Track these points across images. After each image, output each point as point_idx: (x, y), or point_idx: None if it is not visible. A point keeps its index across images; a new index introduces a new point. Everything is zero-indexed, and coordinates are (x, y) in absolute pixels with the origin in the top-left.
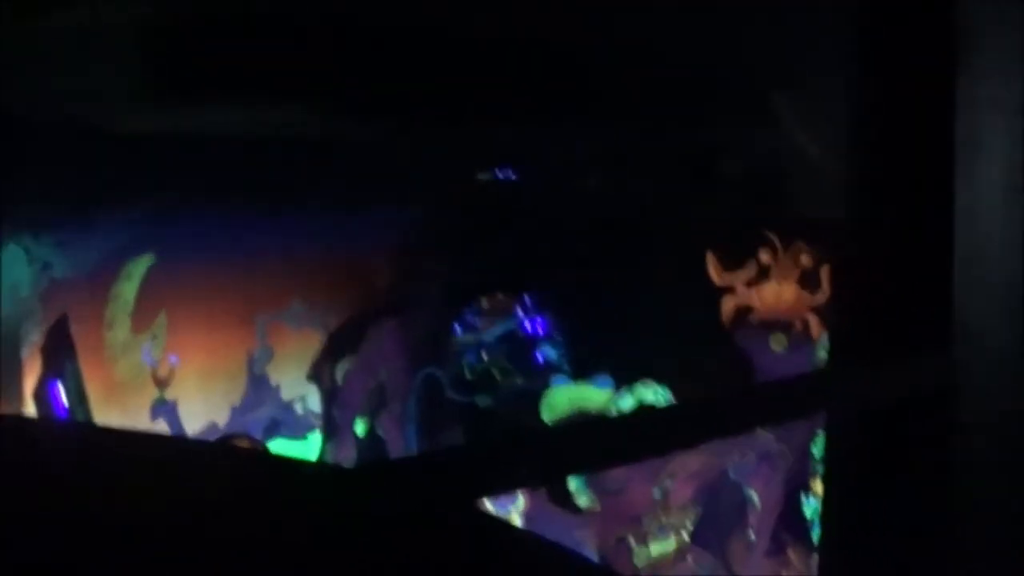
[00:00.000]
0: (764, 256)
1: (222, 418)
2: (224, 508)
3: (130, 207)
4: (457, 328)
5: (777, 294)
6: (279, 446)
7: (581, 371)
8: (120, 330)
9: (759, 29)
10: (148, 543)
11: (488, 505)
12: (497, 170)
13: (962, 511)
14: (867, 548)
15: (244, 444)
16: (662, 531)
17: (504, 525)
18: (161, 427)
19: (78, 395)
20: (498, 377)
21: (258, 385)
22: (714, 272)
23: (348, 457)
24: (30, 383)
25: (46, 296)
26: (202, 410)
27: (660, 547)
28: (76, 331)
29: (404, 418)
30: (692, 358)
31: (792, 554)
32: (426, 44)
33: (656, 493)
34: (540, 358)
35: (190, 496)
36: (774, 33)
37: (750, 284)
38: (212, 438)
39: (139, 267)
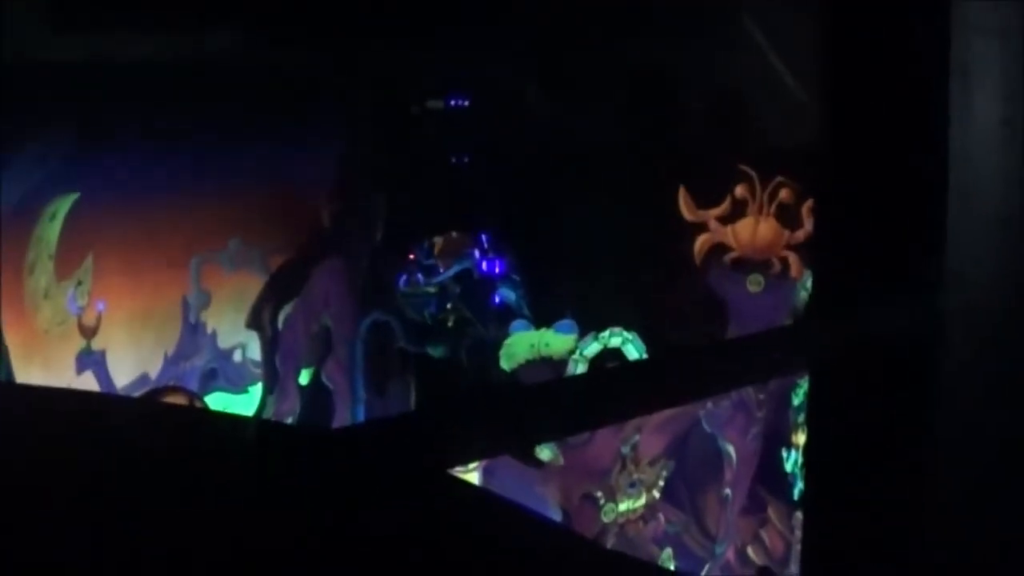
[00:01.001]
0: (740, 190)
1: (154, 369)
2: (152, 472)
3: (50, 141)
4: (407, 269)
5: (754, 231)
6: (217, 399)
7: (542, 316)
8: (42, 275)
9: None
10: (65, 514)
11: None
12: (448, 98)
13: (948, 465)
14: (853, 503)
15: (179, 397)
16: (632, 487)
17: (457, 483)
18: (87, 380)
19: None
20: (452, 323)
21: (193, 332)
22: (686, 208)
23: (291, 410)
24: None
25: None
26: (132, 360)
27: (629, 504)
28: None
29: (351, 367)
30: (663, 301)
31: (771, 511)
32: None
33: (623, 447)
34: (498, 301)
35: (113, 462)
36: None
37: (725, 221)
38: (143, 391)
39: (62, 207)
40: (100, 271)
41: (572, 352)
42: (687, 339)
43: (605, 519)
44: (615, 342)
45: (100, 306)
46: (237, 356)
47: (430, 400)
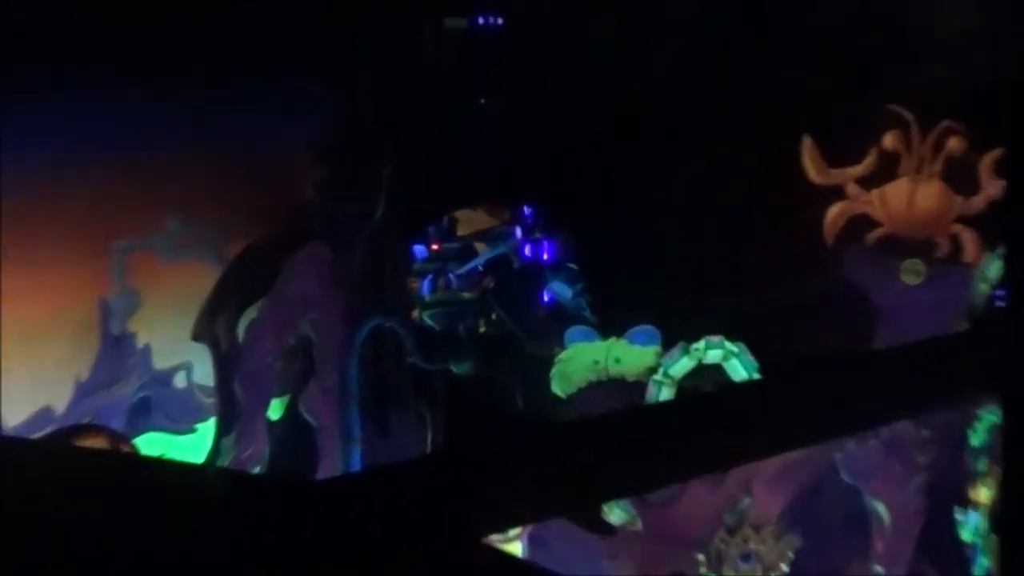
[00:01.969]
0: (890, 140)
1: (61, 400)
2: (63, 547)
3: None
4: (418, 257)
5: (910, 198)
6: (152, 441)
7: (611, 320)
8: None
9: None
10: None
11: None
12: (475, 14)
13: None
14: None
15: (97, 439)
16: (745, 561)
17: (493, 556)
18: None
19: None
20: (483, 329)
21: (116, 348)
22: (812, 166)
23: (257, 455)
24: None
25: None
26: (28, 388)
27: None
28: None
29: (342, 394)
30: (780, 299)
31: None
32: None
33: (727, 504)
34: (548, 299)
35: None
36: None
37: (869, 184)
38: (46, 431)
39: None
40: None
41: (653, 371)
42: (815, 352)
43: None
44: (713, 356)
45: None
46: (179, 380)
47: (453, 441)
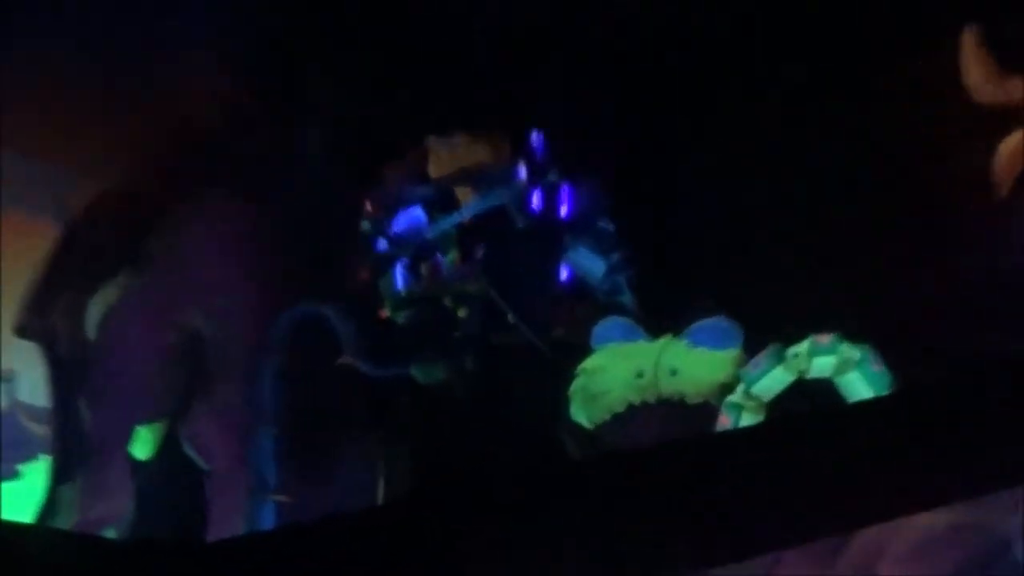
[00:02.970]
0: None
1: None
2: None
3: None
4: (367, 211)
5: None
6: None
7: (663, 311)
8: None
9: None
10: None
11: None
12: None
13: None
14: None
15: None
16: None
17: None
18: None
19: None
20: (463, 315)
21: None
22: (978, 75)
23: (115, 514)
24: None
25: None
26: None
27: None
28: None
29: (250, 419)
30: (926, 281)
31: None
32: None
33: None
34: (566, 277)
35: None
36: None
37: None
38: None
39: None
40: None
41: (729, 389)
42: (980, 360)
43: None
44: (822, 367)
45: None
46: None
47: (416, 490)
